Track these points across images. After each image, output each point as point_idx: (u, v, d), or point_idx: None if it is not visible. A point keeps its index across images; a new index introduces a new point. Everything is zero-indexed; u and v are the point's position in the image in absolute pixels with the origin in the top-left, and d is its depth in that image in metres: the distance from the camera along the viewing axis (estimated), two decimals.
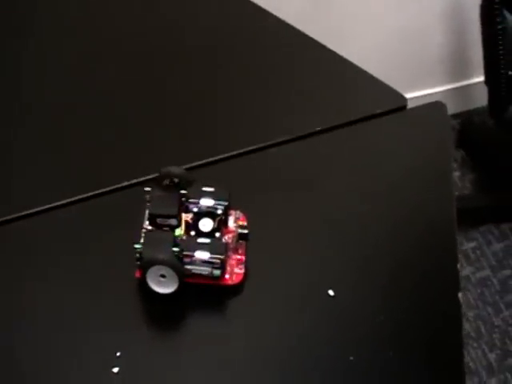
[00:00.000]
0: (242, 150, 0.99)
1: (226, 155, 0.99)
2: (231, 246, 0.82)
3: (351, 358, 0.78)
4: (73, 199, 0.93)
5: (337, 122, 1.04)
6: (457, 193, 2.12)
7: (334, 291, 0.82)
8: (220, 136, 1.02)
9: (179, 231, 0.81)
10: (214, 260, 0.77)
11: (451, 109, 2.31)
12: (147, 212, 0.83)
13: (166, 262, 0.77)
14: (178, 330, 0.82)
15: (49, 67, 1.10)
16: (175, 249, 0.78)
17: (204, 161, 0.97)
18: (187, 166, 0.95)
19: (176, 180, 0.84)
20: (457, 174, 2.18)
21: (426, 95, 2.22)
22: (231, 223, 0.84)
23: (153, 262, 0.77)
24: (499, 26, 1.63)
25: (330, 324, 0.81)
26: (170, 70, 1.10)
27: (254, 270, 0.83)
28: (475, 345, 1.80)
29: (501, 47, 1.64)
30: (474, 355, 1.78)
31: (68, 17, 1.16)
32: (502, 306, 1.88)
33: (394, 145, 1.04)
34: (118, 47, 1.13)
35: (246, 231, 0.82)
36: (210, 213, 0.81)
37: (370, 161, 1.01)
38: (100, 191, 0.93)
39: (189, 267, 0.78)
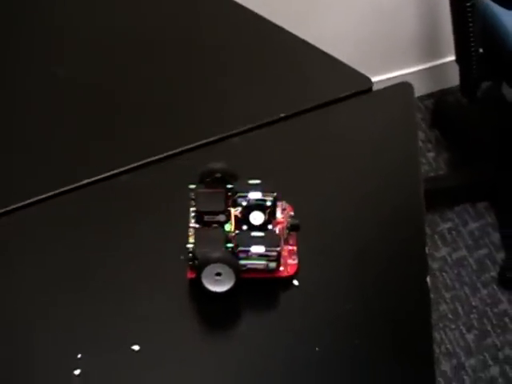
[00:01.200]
0: (205, 141, 0.97)
1: (191, 145, 0.96)
2: (283, 238, 0.81)
3: (317, 348, 0.76)
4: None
5: (302, 108, 1.02)
6: (432, 173, 2.12)
7: (299, 281, 0.80)
8: (183, 126, 1.00)
9: (229, 227, 0.79)
10: (269, 253, 0.76)
11: (425, 89, 2.32)
12: (191, 210, 0.81)
13: (222, 260, 0.75)
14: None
15: (28, 58, 1.09)
16: (229, 245, 0.76)
17: (165, 154, 0.96)
18: (150, 159, 0.94)
19: (218, 175, 0.83)
20: (431, 154, 2.17)
21: (398, 76, 2.21)
22: (279, 214, 0.82)
23: (209, 261, 0.75)
24: (468, 3, 1.61)
25: (294, 313, 0.80)
26: (135, 61, 1.09)
27: None
28: (453, 326, 1.79)
29: (470, 24, 1.63)
30: (451, 337, 1.77)
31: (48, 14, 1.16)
32: (479, 285, 1.87)
33: (360, 127, 1.02)
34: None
35: (297, 222, 0.81)
36: (259, 205, 0.79)
37: (336, 145, 0.99)
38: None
39: (244, 262, 0.77)
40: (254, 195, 0.79)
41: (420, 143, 2.20)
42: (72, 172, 0.94)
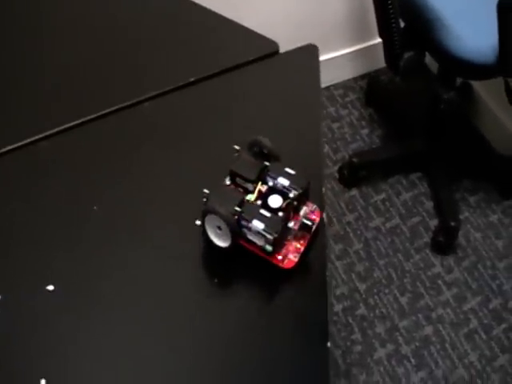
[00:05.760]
0: (116, 106, 1.01)
1: (101, 113, 1.00)
2: (294, 233, 0.83)
3: (216, 280, 0.82)
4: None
5: (210, 72, 1.06)
6: (366, 148, 2.16)
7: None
8: (92, 94, 1.02)
9: (251, 197, 0.82)
10: (267, 234, 0.78)
11: (359, 70, 2.36)
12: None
13: (220, 215, 0.78)
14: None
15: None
16: (237, 209, 0.79)
17: (80, 120, 0.99)
18: (61, 127, 0.97)
19: (265, 151, 0.86)
20: (365, 131, 2.21)
21: (333, 58, 2.25)
22: (302, 213, 0.85)
23: (209, 211, 0.79)
24: None
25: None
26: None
27: None
28: (386, 291, 1.83)
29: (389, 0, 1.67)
30: (385, 300, 1.81)
31: None
32: (413, 251, 1.92)
33: (268, 88, 1.05)
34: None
35: (309, 223, 0.83)
36: (282, 192, 0.82)
37: (244, 106, 1.03)
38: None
39: (245, 231, 0.80)
40: (283, 181, 0.82)
41: (354, 121, 2.25)
42: None
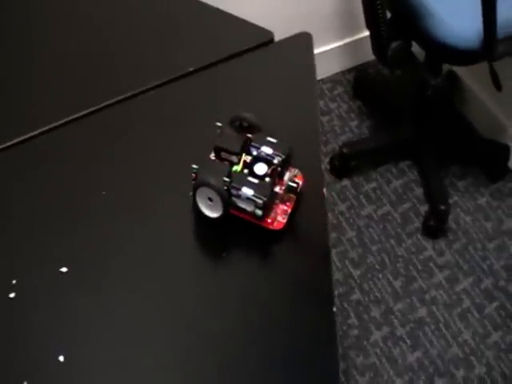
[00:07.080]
0: (122, 96, 1.05)
1: (103, 104, 1.03)
2: (280, 197, 0.89)
3: (223, 254, 0.86)
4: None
5: (208, 62, 1.10)
6: (356, 139, 2.20)
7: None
8: (95, 86, 1.06)
9: (236, 168, 0.87)
10: (256, 199, 0.84)
11: (347, 63, 2.40)
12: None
13: (212, 186, 0.84)
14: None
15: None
16: (226, 179, 0.85)
17: (85, 111, 1.02)
18: (65, 119, 1.01)
19: (246, 124, 0.91)
20: (354, 123, 2.25)
21: (323, 52, 2.28)
22: (286, 177, 0.90)
23: (202, 184, 0.84)
24: None
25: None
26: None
27: None
28: (380, 275, 1.88)
29: None
30: (379, 285, 1.86)
31: None
32: (404, 236, 1.96)
33: (264, 76, 1.10)
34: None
35: (294, 185, 0.89)
36: (266, 160, 0.88)
37: (241, 94, 1.07)
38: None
39: (235, 199, 0.85)
40: (266, 149, 0.88)
41: (343, 114, 2.28)
42: None
